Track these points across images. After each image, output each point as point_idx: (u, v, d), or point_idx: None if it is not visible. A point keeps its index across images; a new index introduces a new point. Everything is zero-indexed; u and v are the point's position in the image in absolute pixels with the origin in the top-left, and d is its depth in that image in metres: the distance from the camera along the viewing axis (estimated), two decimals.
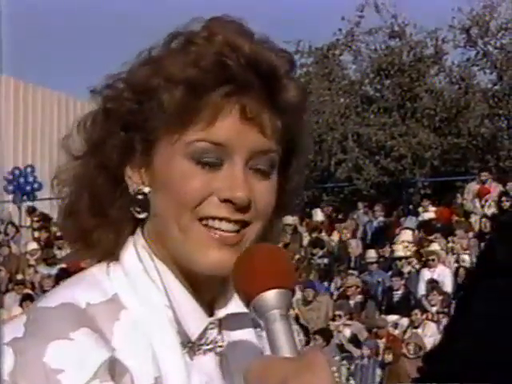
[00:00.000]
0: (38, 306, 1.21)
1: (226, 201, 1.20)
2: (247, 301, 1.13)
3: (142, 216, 1.24)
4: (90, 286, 1.22)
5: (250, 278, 1.13)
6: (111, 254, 1.26)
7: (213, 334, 1.25)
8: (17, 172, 19.57)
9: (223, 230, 1.21)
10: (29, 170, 19.61)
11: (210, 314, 1.26)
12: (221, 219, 1.20)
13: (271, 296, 1.11)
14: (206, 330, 1.24)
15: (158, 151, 1.23)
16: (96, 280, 1.24)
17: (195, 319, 1.24)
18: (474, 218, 14.50)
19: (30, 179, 19.45)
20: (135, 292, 1.23)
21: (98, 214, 1.26)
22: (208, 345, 1.25)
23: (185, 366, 1.22)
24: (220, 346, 1.26)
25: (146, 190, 1.23)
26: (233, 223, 1.20)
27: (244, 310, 1.22)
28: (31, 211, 17.67)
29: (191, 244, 1.21)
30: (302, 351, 1.12)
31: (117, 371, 1.16)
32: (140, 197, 1.23)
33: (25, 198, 19.29)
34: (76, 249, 1.30)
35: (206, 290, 1.25)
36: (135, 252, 1.25)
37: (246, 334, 1.30)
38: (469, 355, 0.74)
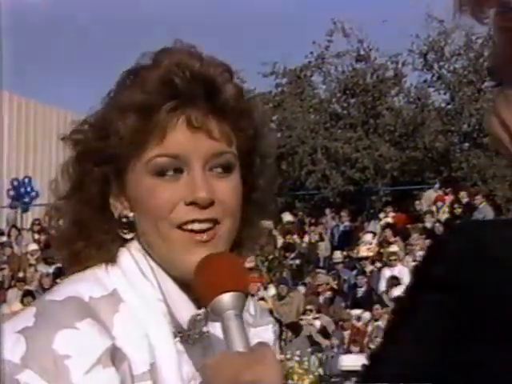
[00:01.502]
0: (47, 299, 1.21)
1: (191, 203, 1.20)
2: (206, 302, 1.14)
3: (128, 236, 1.25)
4: (92, 282, 1.22)
5: (209, 282, 1.15)
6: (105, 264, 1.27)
7: (200, 324, 1.25)
8: (15, 182, 19.49)
9: (196, 232, 1.21)
10: (26, 180, 19.55)
11: (198, 307, 1.25)
12: (192, 221, 1.20)
13: (226, 298, 1.13)
14: (194, 321, 1.24)
15: (128, 177, 1.23)
16: (97, 277, 1.24)
17: (185, 311, 1.24)
18: (428, 223, 14.55)
19: (28, 189, 19.37)
20: (132, 288, 1.23)
21: (86, 239, 1.27)
22: (196, 334, 1.25)
23: (176, 353, 1.22)
24: (207, 336, 1.26)
25: (130, 214, 1.24)
26: (203, 223, 1.20)
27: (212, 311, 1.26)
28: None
29: (174, 249, 1.21)
30: (253, 347, 1.13)
31: (117, 358, 1.16)
32: (125, 220, 1.24)
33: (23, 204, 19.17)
34: (69, 266, 1.31)
35: (193, 287, 1.24)
36: (130, 255, 1.25)
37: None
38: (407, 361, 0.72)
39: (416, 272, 0.72)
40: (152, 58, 1.26)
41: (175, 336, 1.23)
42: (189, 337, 1.25)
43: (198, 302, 1.25)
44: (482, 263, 0.68)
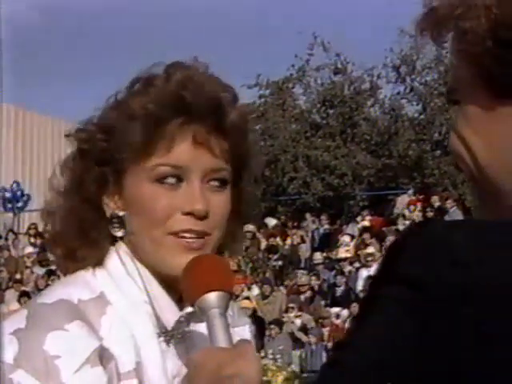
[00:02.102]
0: (38, 302, 1.21)
1: (188, 214, 1.20)
2: (192, 301, 1.14)
3: (119, 234, 1.25)
4: (81, 285, 1.22)
5: (196, 281, 1.15)
6: (94, 265, 1.26)
7: (183, 325, 1.25)
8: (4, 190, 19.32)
9: (188, 240, 1.21)
10: (14, 185, 19.33)
11: (181, 309, 1.25)
12: (186, 231, 1.21)
13: (212, 297, 1.13)
14: (178, 322, 1.24)
15: (127, 179, 1.23)
16: (85, 280, 1.23)
17: (169, 313, 1.24)
18: (401, 225, 14.57)
19: (18, 193, 19.20)
20: (119, 290, 1.23)
21: (83, 237, 1.26)
22: (180, 334, 1.25)
23: (161, 352, 1.22)
24: (189, 335, 1.26)
25: (121, 213, 1.24)
26: (195, 233, 1.21)
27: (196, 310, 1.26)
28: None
29: (163, 252, 1.21)
30: (235, 343, 1.13)
31: (104, 357, 1.16)
32: (116, 219, 1.24)
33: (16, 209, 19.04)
34: (64, 264, 1.30)
35: (176, 289, 1.24)
36: (118, 257, 1.25)
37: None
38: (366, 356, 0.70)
39: (379, 268, 0.72)
40: (165, 70, 1.26)
41: (159, 336, 1.23)
42: (172, 336, 1.24)
43: (181, 304, 1.25)
44: (440, 260, 0.67)
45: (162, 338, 1.23)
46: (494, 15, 0.74)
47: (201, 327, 1.26)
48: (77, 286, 1.22)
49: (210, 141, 1.22)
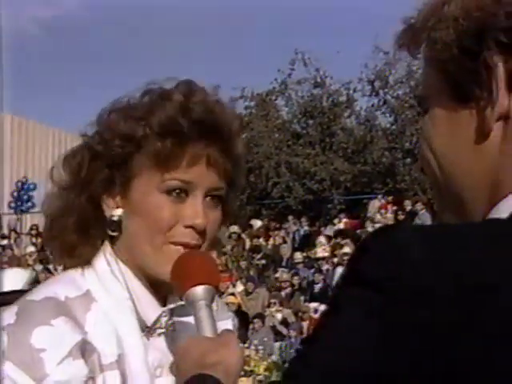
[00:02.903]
0: (27, 299, 1.20)
1: (189, 227, 1.21)
2: (181, 293, 1.16)
3: (115, 234, 1.24)
4: (68, 284, 1.22)
5: (185, 275, 1.17)
6: (88, 263, 1.26)
7: (164, 320, 1.26)
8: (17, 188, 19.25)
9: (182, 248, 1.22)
10: (26, 186, 19.25)
11: (163, 304, 1.26)
12: (184, 244, 1.21)
13: (199, 290, 1.15)
14: (159, 317, 1.25)
15: (135, 184, 1.22)
16: (72, 279, 1.24)
17: (151, 309, 1.24)
18: (370, 228, 14.61)
19: (25, 197, 19.10)
20: (104, 288, 1.23)
21: (81, 234, 1.26)
22: (161, 329, 1.25)
23: (143, 345, 1.22)
24: (170, 330, 1.26)
25: (119, 212, 1.23)
26: (191, 247, 1.22)
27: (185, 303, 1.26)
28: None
29: (161, 259, 1.21)
30: (219, 333, 1.14)
31: (87, 350, 1.16)
32: (114, 219, 1.23)
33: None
34: (62, 259, 1.30)
35: (162, 287, 1.25)
36: (104, 258, 1.25)
37: (190, 320, 1.28)
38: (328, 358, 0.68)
39: (345, 269, 0.71)
40: (181, 87, 1.25)
41: (142, 330, 1.23)
42: (154, 331, 1.25)
43: (164, 301, 1.26)
44: (399, 263, 0.66)
45: (144, 333, 1.24)
46: (460, 26, 0.75)
47: (182, 321, 1.28)
48: (65, 285, 1.22)
49: (219, 163, 1.23)
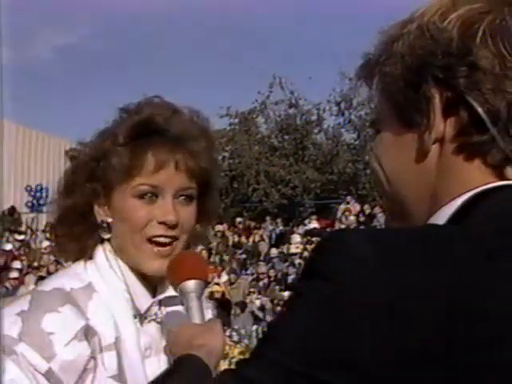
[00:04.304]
0: (38, 290, 1.21)
1: (161, 223, 1.21)
2: (175, 285, 1.16)
3: (106, 237, 1.25)
4: (73, 277, 1.23)
5: (178, 272, 1.17)
6: (79, 259, 1.26)
7: (155, 309, 1.26)
8: (32, 193, 18.98)
9: (161, 244, 1.21)
10: (39, 188, 18.98)
11: (154, 295, 1.26)
12: (159, 236, 1.21)
13: (191, 284, 1.15)
14: (150, 306, 1.25)
15: (114, 194, 1.22)
16: (76, 273, 1.24)
17: (143, 299, 1.25)
18: (339, 227, 14.64)
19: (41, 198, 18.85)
20: (103, 280, 1.23)
21: (72, 238, 1.26)
22: (152, 316, 1.26)
23: (136, 330, 1.23)
24: (160, 317, 1.26)
25: (109, 220, 1.23)
26: (167, 238, 1.21)
27: (177, 294, 1.27)
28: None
29: (141, 257, 1.22)
30: (206, 321, 1.15)
31: (90, 333, 1.17)
32: (105, 224, 1.24)
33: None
34: (59, 254, 1.32)
35: (151, 280, 1.26)
36: (104, 255, 1.25)
37: (177, 310, 1.30)
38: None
39: (303, 267, 0.70)
40: (149, 104, 1.23)
41: (135, 317, 1.24)
42: (146, 318, 1.25)
43: (154, 292, 1.26)
44: (346, 259, 0.66)
45: (137, 319, 1.24)
46: (405, 62, 0.75)
47: (171, 310, 1.29)
48: (70, 278, 1.22)
49: (186, 166, 1.21)
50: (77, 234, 1.25)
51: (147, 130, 1.20)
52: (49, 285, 1.21)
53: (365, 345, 0.62)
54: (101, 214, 1.23)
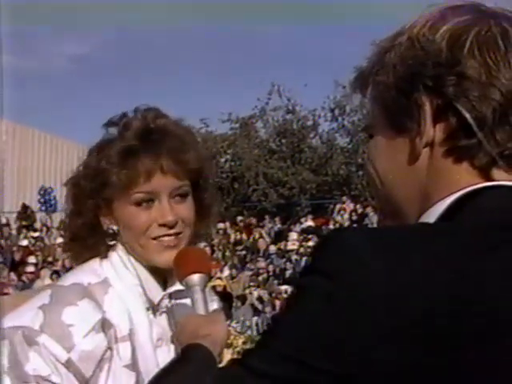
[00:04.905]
0: (58, 284, 1.23)
1: (162, 225, 1.21)
2: (181, 279, 1.17)
3: (112, 243, 1.25)
4: (90, 272, 1.23)
5: (183, 266, 1.18)
6: (101, 258, 1.26)
7: (165, 302, 1.27)
8: (43, 193, 18.91)
9: (166, 240, 1.22)
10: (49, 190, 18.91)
11: (164, 288, 1.27)
12: (163, 236, 1.22)
13: (195, 277, 1.16)
14: (162, 299, 1.26)
15: (115, 205, 1.23)
16: (93, 269, 1.25)
17: (155, 293, 1.26)
18: (332, 226, 14.61)
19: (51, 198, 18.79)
20: (118, 276, 1.24)
21: (82, 246, 1.27)
22: (163, 308, 1.27)
23: (148, 322, 1.23)
24: (170, 309, 1.27)
25: (115, 228, 1.24)
26: (171, 236, 1.22)
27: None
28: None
29: (151, 254, 1.22)
30: (210, 312, 1.16)
31: (106, 325, 1.18)
32: (111, 231, 1.24)
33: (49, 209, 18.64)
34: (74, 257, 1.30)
35: (161, 274, 1.26)
36: (117, 254, 1.26)
37: (185, 302, 1.29)
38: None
39: (304, 265, 0.70)
40: (139, 115, 1.22)
41: (148, 310, 1.25)
42: (157, 310, 1.26)
43: (165, 286, 1.27)
44: (346, 258, 0.65)
45: (149, 311, 1.25)
46: (397, 71, 0.76)
47: (179, 303, 1.29)
48: (87, 274, 1.23)
49: (174, 170, 1.21)
50: (90, 245, 1.26)
51: (136, 149, 1.20)
52: (68, 280, 1.22)
53: (366, 343, 0.62)
54: (106, 222, 1.24)
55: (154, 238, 1.22)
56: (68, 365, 1.12)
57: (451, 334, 0.62)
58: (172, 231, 1.22)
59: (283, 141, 21.24)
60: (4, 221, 16.68)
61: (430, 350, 0.61)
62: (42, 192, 18.76)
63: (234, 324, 9.53)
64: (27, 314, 1.15)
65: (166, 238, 1.22)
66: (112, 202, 1.23)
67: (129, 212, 1.21)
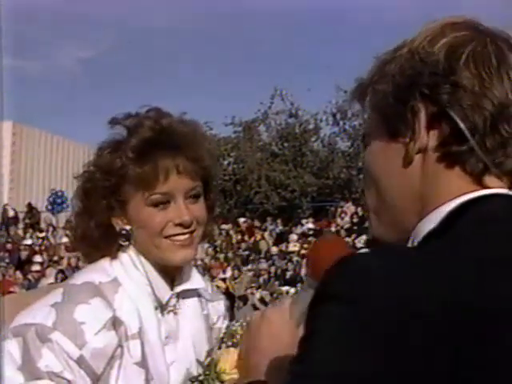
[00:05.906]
0: (70, 283, 1.22)
1: (178, 224, 1.22)
2: (312, 276, 0.90)
3: (125, 244, 1.24)
4: (101, 272, 1.23)
5: (319, 271, 0.90)
6: (111, 258, 1.26)
7: (173, 301, 1.27)
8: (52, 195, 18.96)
9: (181, 239, 1.22)
10: (59, 193, 18.97)
11: (172, 287, 1.27)
12: (178, 234, 1.22)
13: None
14: (170, 298, 1.26)
15: (129, 205, 1.22)
16: (104, 268, 1.25)
17: (164, 292, 1.26)
18: (333, 228, 14.60)
19: (59, 200, 18.79)
20: (128, 276, 1.24)
21: (93, 246, 1.26)
22: (171, 307, 1.27)
23: (157, 320, 1.24)
24: (177, 309, 1.28)
25: (128, 227, 1.23)
26: (186, 234, 1.22)
27: (192, 287, 1.28)
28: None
29: (165, 253, 1.22)
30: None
31: (117, 323, 1.18)
32: (124, 232, 1.23)
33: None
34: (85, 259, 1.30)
35: (169, 274, 1.26)
36: (127, 254, 1.26)
37: (193, 302, 1.32)
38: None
39: (315, 292, 0.66)
40: (149, 117, 1.22)
41: (156, 308, 1.25)
42: (165, 309, 1.26)
43: (173, 285, 1.27)
44: (369, 282, 0.64)
45: (158, 310, 1.25)
46: (396, 81, 0.77)
47: (187, 302, 1.30)
48: (98, 273, 1.23)
49: (188, 170, 1.21)
50: (102, 246, 1.25)
51: (151, 146, 1.19)
52: (79, 279, 1.22)
53: (395, 368, 0.61)
54: (119, 223, 1.23)
55: (168, 237, 1.22)
56: (80, 362, 1.13)
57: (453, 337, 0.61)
58: (187, 230, 1.22)
59: (285, 144, 21.22)
60: (12, 213, 16.68)
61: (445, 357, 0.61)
62: (52, 195, 18.76)
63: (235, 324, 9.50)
64: (40, 312, 1.15)
65: (181, 237, 1.22)
66: (126, 203, 1.22)
67: (145, 213, 1.20)
